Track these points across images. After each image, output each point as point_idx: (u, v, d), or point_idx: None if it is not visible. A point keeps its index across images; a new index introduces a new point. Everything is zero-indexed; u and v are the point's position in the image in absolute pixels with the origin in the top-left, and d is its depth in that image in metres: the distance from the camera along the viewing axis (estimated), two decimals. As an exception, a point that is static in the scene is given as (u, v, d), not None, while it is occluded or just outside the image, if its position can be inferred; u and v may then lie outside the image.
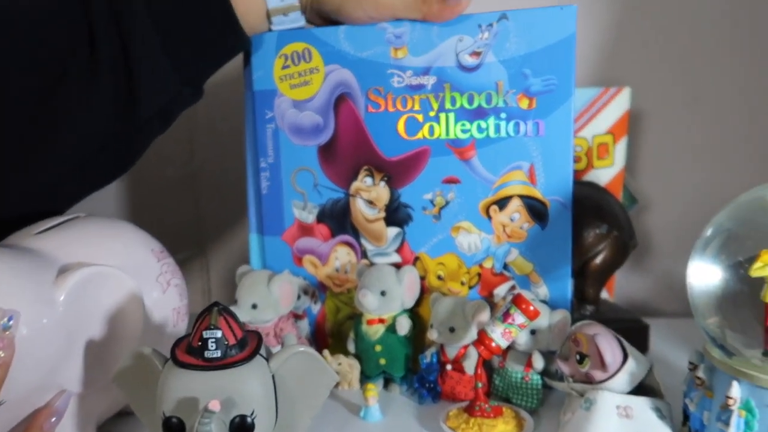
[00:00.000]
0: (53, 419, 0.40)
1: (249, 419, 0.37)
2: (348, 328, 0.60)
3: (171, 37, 0.51)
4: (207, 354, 0.38)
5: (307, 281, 0.62)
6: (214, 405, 0.36)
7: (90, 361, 0.44)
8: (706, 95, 0.80)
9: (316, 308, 0.63)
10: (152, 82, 0.51)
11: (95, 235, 0.48)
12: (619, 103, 0.72)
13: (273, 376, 0.40)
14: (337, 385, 0.56)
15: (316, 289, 0.62)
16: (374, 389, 0.51)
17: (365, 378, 0.57)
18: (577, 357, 0.47)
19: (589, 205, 0.63)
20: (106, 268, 0.44)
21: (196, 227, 0.89)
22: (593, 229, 0.62)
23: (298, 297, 0.62)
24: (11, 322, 0.38)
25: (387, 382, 0.57)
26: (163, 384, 0.38)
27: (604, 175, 0.73)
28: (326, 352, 0.56)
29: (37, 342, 0.40)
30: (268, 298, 0.56)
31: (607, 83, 0.73)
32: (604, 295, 0.74)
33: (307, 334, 0.63)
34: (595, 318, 0.62)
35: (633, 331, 0.64)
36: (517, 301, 0.47)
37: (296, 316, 0.63)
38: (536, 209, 0.55)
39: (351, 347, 0.57)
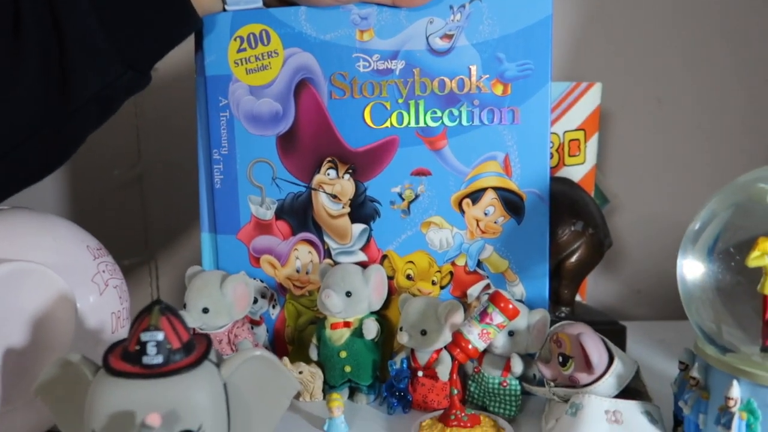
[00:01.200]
0: None
1: (196, 435, 0.32)
2: (309, 334, 0.55)
3: (110, 13, 0.46)
4: (146, 360, 0.32)
5: (264, 283, 0.57)
6: (154, 419, 0.30)
7: (10, 372, 0.38)
8: (672, 94, 0.79)
9: (274, 313, 0.58)
10: (87, 63, 0.46)
11: (21, 227, 0.43)
12: (591, 99, 0.70)
13: (224, 385, 0.35)
14: (297, 396, 0.52)
15: (275, 292, 0.57)
16: (339, 399, 0.47)
17: (329, 388, 0.53)
18: (560, 359, 0.43)
19: (564, 202, 0.60)
20: (30, 265, 0.39)
21: (144, 229, 0.83)
22: (568, 226, 0.59)
23: (255, 300, 0.57)
24: None
25: (353, 392, 0.53)
26: (93, 396, 0.32)
27: (576, 172, 0.70)
28: (286, 359, 0.51)
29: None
30: (220, 302, 0.51)
31: (577, 78, 0.71)
32: (576, 297, 0.72)
33: (264, 341, 0.58)
34: (571, 320, 0.59)
35: (609, 333, 0.61)
36: (495, 299, 0.44)
37: (253, 322, 0.58)
38: (512, 202, 0.52)
39: (313, 354, 0.53)
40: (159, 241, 0.83)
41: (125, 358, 0.33)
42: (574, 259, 0.60)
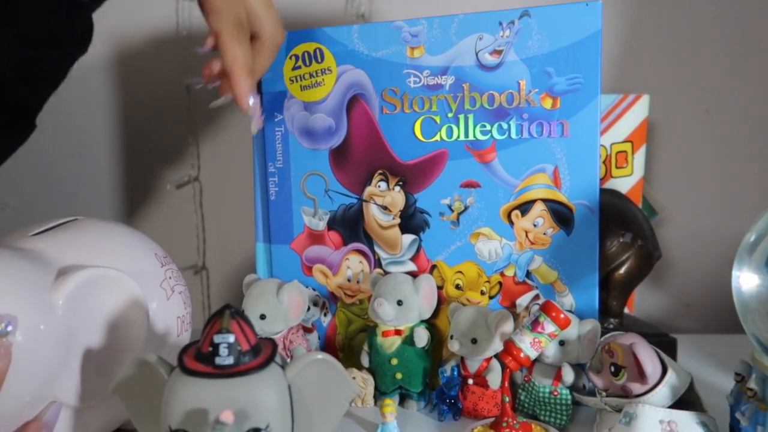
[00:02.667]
0: None
1: (263, 433, 0.34)
2: (360, 342, 0.57)
3: None
4: (218, 361, 0.34)
5: (316, 292, 0.59)
6: (227, 416, 0.32)
7: (89, 371, 0.41)
8: (721, 105, 0.79)
9: (326, 320, 0.59)
10: None
11: (95, 236, 0.45)
12: (638, 111, 0.70)
13: (289, 386, 0.37)
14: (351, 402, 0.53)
15: (327, 300, 0.59)
16: (392, 405, 0.48)
17: (380, 394, 0.54)
18: (612, 369, 0.44)
19: (613, 213, 0.60)
20: (108, 271, 0.41)
21: (197, 237, 0.86)
22: (617, 237, 0.60)
23: (308, 308, 0.59)
24: (9, 328, 0.34)
25: (403, 399, 0.54)
26: (169, 394, 0.34)
27: (623, 184, 0.70)
28: (339, 365, 0.52)
29: (33, 350, 0.36)
30: (277, 308, 0.53)
31: (624, 90, 0.71)
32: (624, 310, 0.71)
33: (316, 348, 0.60)
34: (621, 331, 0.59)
35: (660, 345, 0.60)
36: (546, 308, 0.44)
37: (305, 329, 0.60)
38: (561, 214, 0.53)
39: (365, 361, 0.54)
40: (212, 251, 0.87)
41: (199, 359, 0.35)
42: (622, 270, 0.60)
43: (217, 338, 0.35)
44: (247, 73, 0.45)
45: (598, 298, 0.60)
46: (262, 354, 0.36)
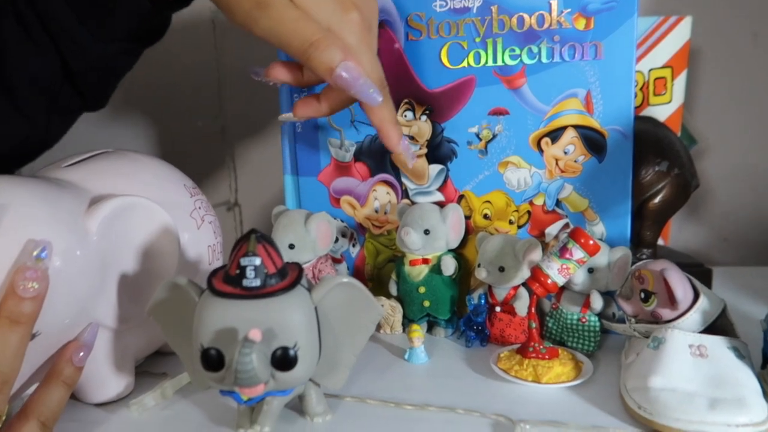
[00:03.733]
0: (81, 353, 0.38)
1: (292, 351, 0.35)
2: (388, 272, 0.57)
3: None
4: (245, 283, 0.35)
5: (344, 223, 0.60)
6: (255, 334, 0.33)
7: (125, 295, 0.42)
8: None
9: (354, 251, 0.60)
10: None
11: (127, 167, 0.46)
12: (680, 34, 0.66)
13: (315, 308, 0.37)
14: (378, 328, 0.54)
15: (355, 231, 0.60)
16: (419, 330, 0.49)
17: (408, 322, 0.55)
18: (642, 295, 0.43)
19: (649, 140, 0.58)
20: (139, 199, 0.42)
21: (228, 174, 0.87)
22: (652, 166, 0.58)
23: (336, 239, 0.60)
24: (45, 253, 0.36)
25: (431, 326, 0.55)
26: (199, 315, 0.36)
27: (662, 112, 0.67)
28: (367, 293, 0.53)
29: (70, 273, 0.38)
30: (305, 238, 0.53)
31: (665, 12, 0.67)
32: (659, 241, 0.70)
33: (345, 279, 0.60)
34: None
35: (694, 276, 0.60)
36: (575, 235, 0.44)
37: (334, 260, 0.60)
38: (593, 140, 0.51)
39: (393, 289, 0.55)
40: (243, 185, 0.88)
41: (227, 281, 0.36)
42: (657, 200, 0.58)
43: (243, 261, 0.35)
44: (395, 124, 0.46)
45: (631, 228, 0.59)
46: (289, 277, 0.37)
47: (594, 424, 0.39)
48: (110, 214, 0.40)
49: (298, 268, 0.38)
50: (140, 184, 0.45)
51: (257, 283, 0.35)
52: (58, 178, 0.43)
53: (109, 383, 0.43)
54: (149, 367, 0.48)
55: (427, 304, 0.53)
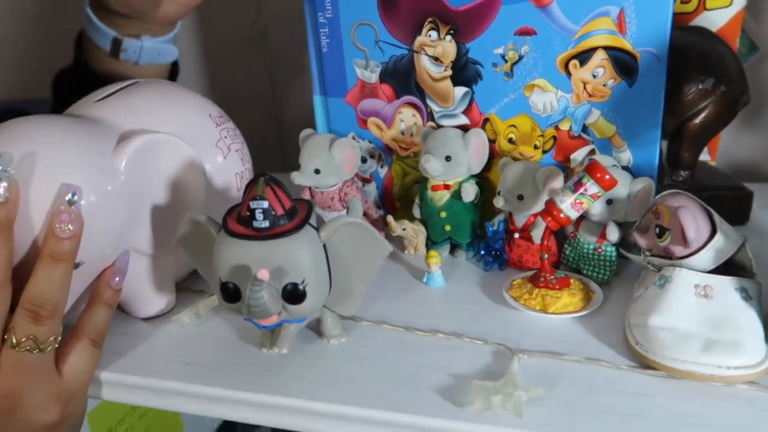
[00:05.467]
0: (117, 277, 0.43)
1: (300, 287, 0.38)
2: (416, 192, 0.58)
3: None
4: (255, 224, 0.38)
5: (372, 144, 0.60)
6: (263, 274, 0.36)
7: (157, 225, 0.46)
8: None
9: (382, 172, 0.61)
10: None
11: (153, 102, 0.48)
12: (747, -75, 0.58)
13: (324, 246, 0.40)
14: (403, 249, 0.57)
15: (382, 153, 0.60)
16: (437, 257, 0.50)
17: (431, 243, 0.57)
18: (657, 230, 0.43)
19: (694, 56, 0.54)
20: (162, 136, 0.44)
21: (270, 90, 0.88)
22: (696, 83, 0.54)
23: (365, 160, 0.61)
24: (75, 197, 0.39)
25: (453, 248, 0.56)
26: (217, 251, 0.39)
27: (719, 17, 0.61)
28: (390, 217, 0.55)
29: (104, 208, 0.41)
30: (330, 164, 0.54)
31: None
32: (705, 157, 0.67)
33: (374, 198, 0.62)
34: (690, 185, 0.56)
35: (733, 199, 0.58)
36: (591, 169, 0.43)
37: (363, 180, 0.62)
38: (624, 63, 0.48)
39: (416, 212, 0.56)
40: (283, 100, 0.88)
41: (240, 222, 0.39)
42: (699, 119, 0.56)
43: (252, 204, 0.37)
44: None
45: (669, 149, 0.57)
46: (297, 217, 0.39)
47: (591, 356, 0.40)
48: (136, 152, 0.43)
49: (307, 206, 0.40)
50: (165, 119, 0.47)
51: (266, 224, 0.38)
52: (88, 116, 0.45)
53: (152, 301, 0.48)
54: (190, 284, 0.53)
55: (448, 228, 0.54)
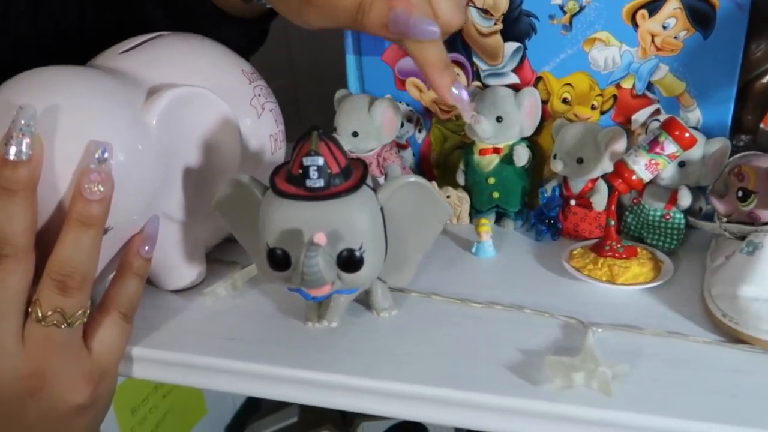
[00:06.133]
0: (147, 246, 0.39)
1: (357, 253, 0.34)
2: (455, 159, 0.54)
3: None
4: (309, 183, 0.34)
5: (410, 107, 0.56)
6: (320, 238, 0.32)
7: (189, 188, 0.42)
8: None
9: (420, 137, 0.57)
10: None
11: (182, 53, 0.44)
12: None
13: (381, 209, 0.36)
14: None
15: (421, 116, 0.56)
16: (488, 224, 0.47)
17: (476, 213, 0.53)
18: (739, 193, 0.39)
19: (765, 8, 0.50)
20: (196, 89, 0.40)
21: (286, 52, 0.83)
22: (766, 40, 0.50)
23: (402, 125, 0.57)
24: (105, 155, 0.35)
25: (499, 218, 0.52)
26: (264, 215, 0.35)
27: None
28: (434, 184, 0.51)
29: (134, 168, 0.37)
30: (369, 125, 0.51)
31: None
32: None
33: (411, 165, 0.58)
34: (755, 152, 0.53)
35: None
36: (669, 126, 0.39)
37: (399, 146, 0.58)
38: (699, 12, 0.44)
39: (461, 179, 0.52)
40: (302, 64, 0.84)
41: (290, 181, 0.35)
42: (766, 79, 0.51)
43: (306, 161, 0.34)
44: (443, 69, 0.37)
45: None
46: (353, 176, 0.35)
47: (672, 330, 0.37)
48: (168, 106, 0.39)
49: (362, 165, 0.36)
50: (197, 72, 0.43)
51: (321, 183, 0.34)
52: (115, 68, 0.41)
53: (182, 272, 0.44)
54: (220, 255, 0.49)
55: (496, 195, 0.51)
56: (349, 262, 0.34)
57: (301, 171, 0.34)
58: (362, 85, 0.57)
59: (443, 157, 0.57)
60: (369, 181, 0.36)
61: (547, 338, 0.37)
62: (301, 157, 0.34)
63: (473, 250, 0.48)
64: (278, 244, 0.34)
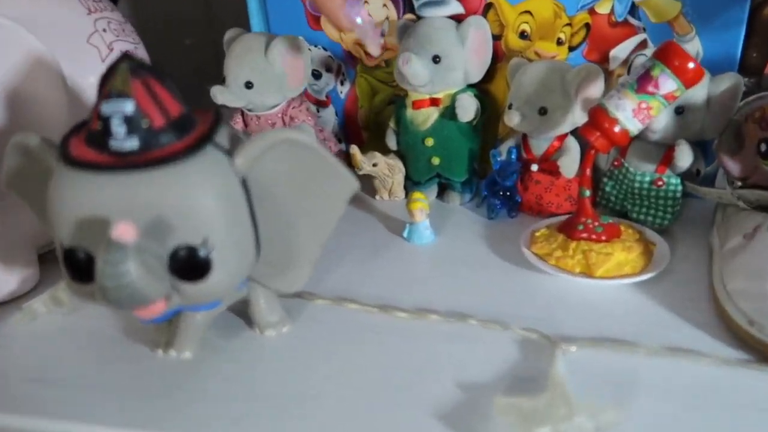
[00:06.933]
0: None
1: (201, 252, 0.22)
2: (389, 117, 0.45)
3: None
4: (114, 144, 0.22)
5: (328, 52, 0.46)
6: (125, 232, 0.20)
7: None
8: None
9: (343, 90, 0.48)
10: None
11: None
12: None
13: (243, 181, 0.24)
14: (374, 193, 0.44)
15: (343, 64, 0.46)
16: (422, 200, 0.38)
17: (412, 184, 0.44)
18: (762, 147, 0.28)
19: None
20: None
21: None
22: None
23: (319, 76, 0.47)
24: None
25: (443, 190, 0.44)
26: (53, 196, 0.22)
27: None
28: (354, 147, 0.40)
29: None
30: (267, 72, 0.41)
31: None
32: None
33: (333, 127, 0.49)
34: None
35: None
36: (666, 53, 0.29)
37: (318, 103, 0.48)
38: None
39: (392, 142, 0.44)
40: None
41: (90, 142, 0.22)
42: (775, 6, 0.41)
43: (106, 107, 0.21)
44: None
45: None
46: (192, 133, 0.23)
47: (674, 345, 0.26)
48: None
49: (212, 117, 0.24)
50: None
51: (133, 144, 0.22)
52: None
53: (-2, 279, 0.32)
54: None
55: (436, 161, 0.42)
56: (189, 265, 0.22)
57: (101, 125, 0.21)
58: (267, 25, 0.46)
59: (373, 114, 0.49)
60: (222, 138, 0.24)
61: (500, 363, 0.27)
62: (100, 102, 0.21)
63: (405, 234, 0.38)
64: (77, 241, 0.22)
